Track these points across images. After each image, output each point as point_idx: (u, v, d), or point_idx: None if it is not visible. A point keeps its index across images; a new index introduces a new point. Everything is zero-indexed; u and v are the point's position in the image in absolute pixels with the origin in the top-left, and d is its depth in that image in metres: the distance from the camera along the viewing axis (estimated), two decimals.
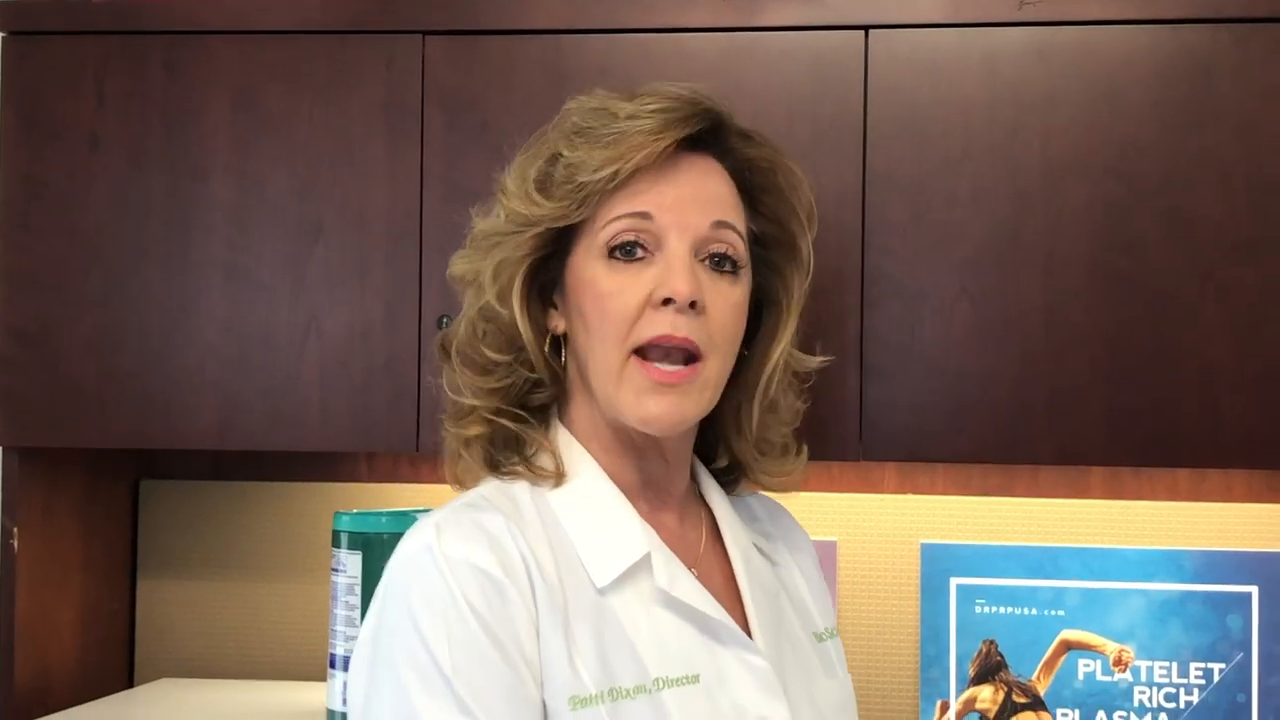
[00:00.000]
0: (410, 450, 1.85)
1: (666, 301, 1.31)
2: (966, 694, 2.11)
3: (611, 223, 1.33)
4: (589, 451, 1.37)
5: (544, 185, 1.36)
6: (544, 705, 1.26)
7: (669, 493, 1.41)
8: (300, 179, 1.89)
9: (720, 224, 1.35)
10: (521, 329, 1.36)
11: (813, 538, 2.15)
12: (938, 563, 2.13)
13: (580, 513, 1.34)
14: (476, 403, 1.38)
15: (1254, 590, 2.07)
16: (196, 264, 1.90)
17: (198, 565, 2.26)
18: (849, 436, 1.83)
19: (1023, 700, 2.10)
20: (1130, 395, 1.78)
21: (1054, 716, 2.09)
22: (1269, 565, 2.08)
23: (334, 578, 1.84)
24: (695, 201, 1.34)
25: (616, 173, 1.32)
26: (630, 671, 1.28)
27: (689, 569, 1.36)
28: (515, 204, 1.36)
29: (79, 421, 1.91)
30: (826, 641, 1.47)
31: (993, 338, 1.80)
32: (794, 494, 2.15)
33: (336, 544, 1.85)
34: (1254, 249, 1.77)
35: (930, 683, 2.12)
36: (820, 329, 1.79)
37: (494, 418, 1.38)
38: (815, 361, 1.49)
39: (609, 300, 1.32)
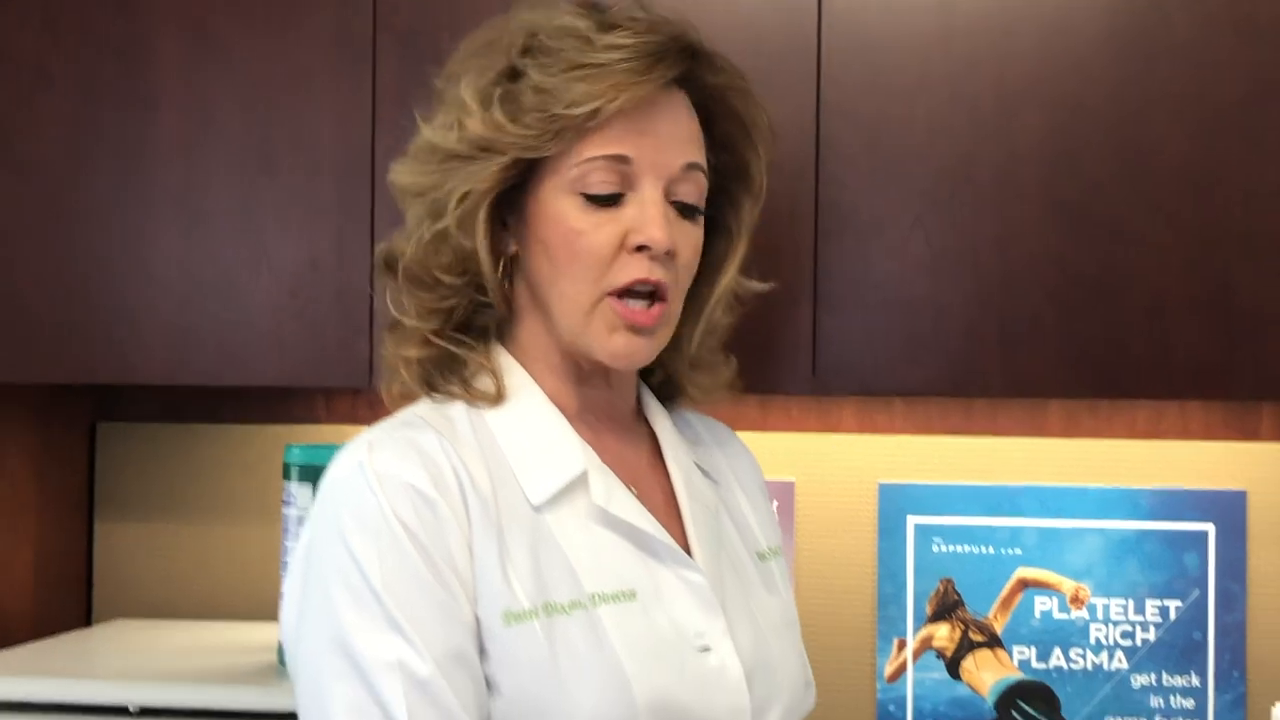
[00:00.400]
0: (363, 384, 1.84)
1: (641, 247, 1.31)
2: (923, 632, 2.12)
3: (587, 163, 1.31)
4: (531, 374, 1.37)
5: (510, 107, 1.31)
6: (477, 621, 1.25)
7: (611, 415, 1.40)
8: (251, 111, 1.87)
9: (690, 166, 1.35)
10: (482, 259, 1.34)
11: (771, 478, 2.15)
12: (895, 502, 2.13)
13: (517, 432, 1.33)
14: (420, 324, 1.36)
15: (1210, 528, 2.07)
16: (147, 197, 1.89)
17: (155, 507, 2.25)
18: (802, 370, 1.82)
19: (979, 638, 2.10)
20: (1082, 327, 1.77)
21: (1010, 654, 2.10)
22: (1225, 503, 2.08)
23: (285, 510, 1.83)
24: (671, 142, 1.34)
25: (597, 111, 1.29)
26: (565, 587, 1.28)
27: (628, 487, 1.35)
28: (476, 125, 1.32)
29: (29, 357, 1.90)
30: (769, 560, 1.47)
31: (946, 270, 1.79)
32: (752, 433, 2.17)
33: (287, 476, 1.84)
34: (1206, 180, 1.76)
35: (887, 621, 2.12)
36: (773, 262, 1.79)
37: (435, 339, 1.36)
38: (760, 286, 1.48)
39: (580, 239, 1.31)
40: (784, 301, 1.81)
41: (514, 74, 1.33)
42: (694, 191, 1.36)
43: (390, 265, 1.39)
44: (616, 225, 1.32)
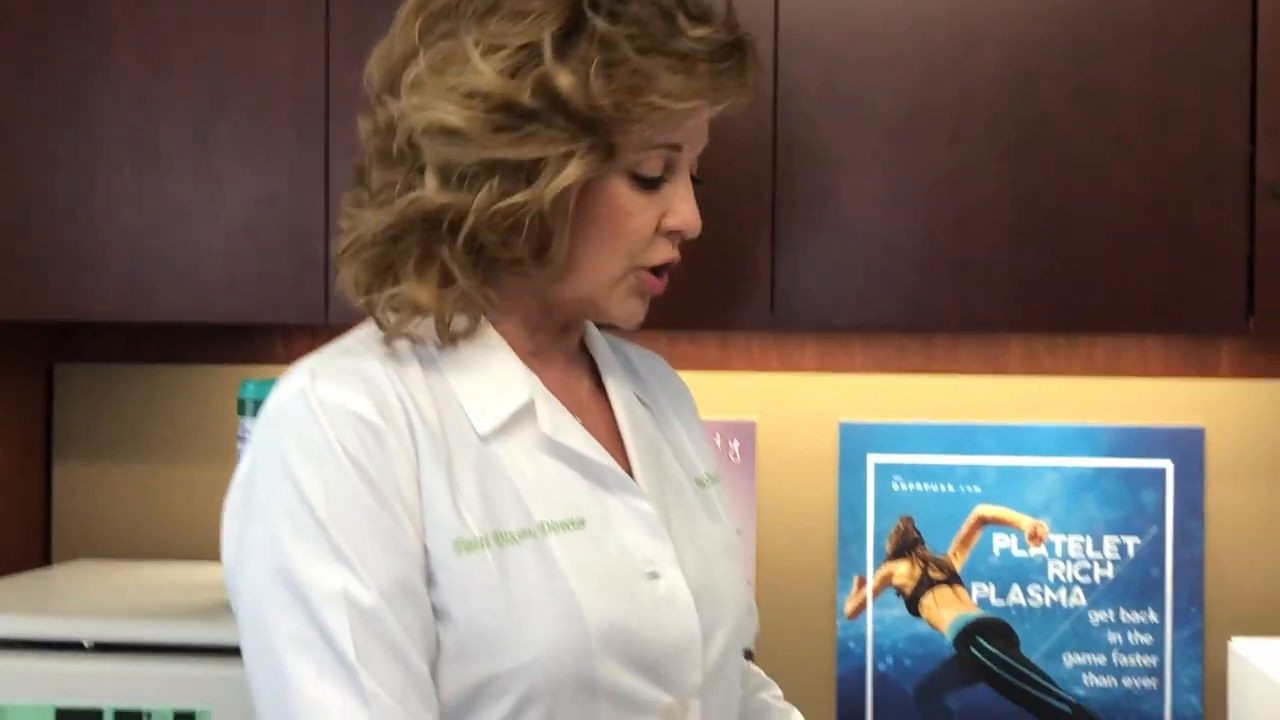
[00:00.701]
0: (318, 320, 1.83)
1: (674, 231, 1.33)
2: (883, 570, 2.12)
3: (650, 150, 1.29)
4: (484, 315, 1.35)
5: (602, 77, 1.24)
6: (425, 551, 1.24)
7: (558, 351, 1.40)
8: (204, 48, 1.85)
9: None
10: (560, 245, 1.28)
11: (732, 418, 2.16)
12: (856, 441, 2.13)
13: (462, 362, 1.32)
14: (466, 282, 1.29)
15: (1168, 465, 2.08)
16: (100, 135, 1.87)
17: (114, 449, 2.24)
18: (760, 307, 1.82)
19: (939, 575, 2.11)
20: (1040, 261, 1.77)
21: (970, 591, 2.10)
22: (1184, 440, 2.08)
23: (241, 446, 1.82)
24: (705, 131, 1.35)
25: (693, 111, 1.28)
26: (515, 516, 1.27)
27: (575, 416, 1.35)
28: (566, 84, 1.23)
29: None
30: (708, 487, 1.47)
31: (904, 205, 1.79)
32: (713, 373, 2.17)
33: (242, 412, 1.83)
34: (1163, 114, 1.76)
35: (848, 559, 2.13)
36: (732, 198, 1.79)
37: (473, 292, 1.30)
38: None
39: (628, 220, 1.31)
40: (742, 238, 1.80)
41: (580, 23, 1.26)
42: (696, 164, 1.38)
43: (436, 220, 1.28)
44: (657, 208, 1.32)
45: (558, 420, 1.33)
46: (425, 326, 1.31)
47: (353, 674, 1.19)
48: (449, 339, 1.31)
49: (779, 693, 1.58)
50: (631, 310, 1.35)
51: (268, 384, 1.83)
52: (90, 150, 1.87)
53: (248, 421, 1.83)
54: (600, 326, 1.47)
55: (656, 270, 1.35)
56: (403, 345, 1.32)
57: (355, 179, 1.35)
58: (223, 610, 1.78)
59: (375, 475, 1.23)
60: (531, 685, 1.24)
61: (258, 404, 1.82)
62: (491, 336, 1.34)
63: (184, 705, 1.70)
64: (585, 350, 1.45)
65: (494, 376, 1.32)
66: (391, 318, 1.31)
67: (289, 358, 2.20)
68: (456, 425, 1.29)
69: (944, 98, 1.78)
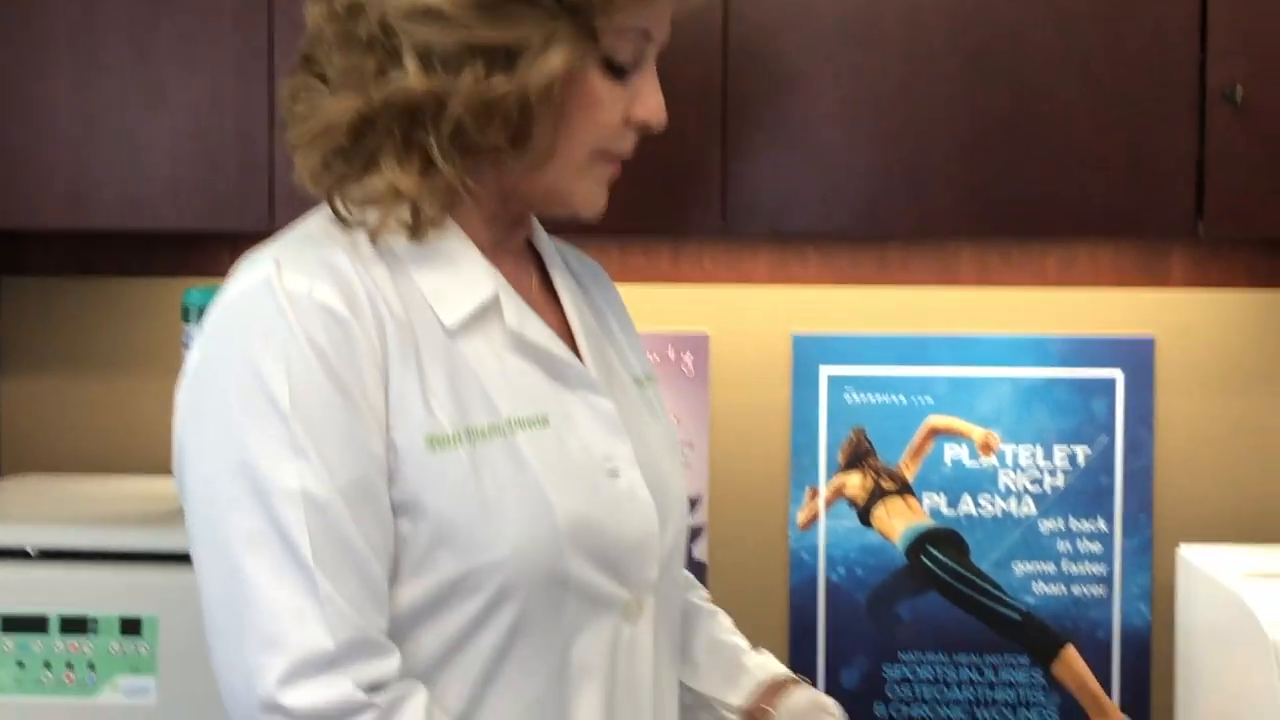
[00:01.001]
0: (264, 226, 1.80)
1: (640, 124, 1.31)
2: (835, 481, 2.13)
3: (626, 32, 1.27)
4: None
5: None
6: (394, 448, 1.22)
7: (509, 246, 1.38)
8: None
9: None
10: (544, 134, 1.26)
11: (684, 330, 2.15)
12: (808, 353, 2.13)
13: (425, 255, 1.29)
14: (449, 169, 1.26)
15: (1119, 375, 2.09)
16: (40, 40, 1.84)
17: (60, 362, 2.22)
18: (711, 213, 1.81)
19: (890, 486, 2.11)
20: (992, 168, 1.77)
21: (921, 501, 2.11)
22: (1134, 350, 2.09)
23: (185, 354, 1.80)
24: (669, 24, 1.33)
25: None
26: (483, 413, 1.26)
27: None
28: None
29: None
30: (646, 388, 1.47)
31: (856, 111, 1.78)
32: (665, 286, 2.16)
33: (187, 319, 1.81)
34: (1115, 20, 1.75)
35: (800, 470, 2.13)
36: (682, 103, 1.77)
37: (446, 172, 1.27)
38: None
39: (598, 110, 1.29)
40: (692, 142, 1.79)
41: None
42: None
43: (417, 106, 1.25)
44: (625, 98, 1.30)
45: (522, 316, 1.32)
46: (396, 218, 1.27)
47: (309, 575, 1.18)
48: (420, 231, 1.27)
49: (706, 594, 1.58)
50: (596, 201, 1.34)
51: (212, 291, 1.80)
52: (29, 56, 1.84)
53: (192, 329, 1.81)
54: (548, 229, 1.46)
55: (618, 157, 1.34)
56: (363, 237, 1.28)
57: (300, 66, 1.31)
58: (170, 518, 1.77)
59: (341, 370, 1.20)
60: (505, 581, 1.23)
61: (202, 311, 1.79)
62: (451, 229, 1.31)
63: (130, 612, 1.69)
64: (529, 249, 1.43)
65: (459, 270, 1.30)
66: (371, 214, 1.27)
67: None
68: (423, 320, 1.26)
69: (897, 5, 1.77)
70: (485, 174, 1.30)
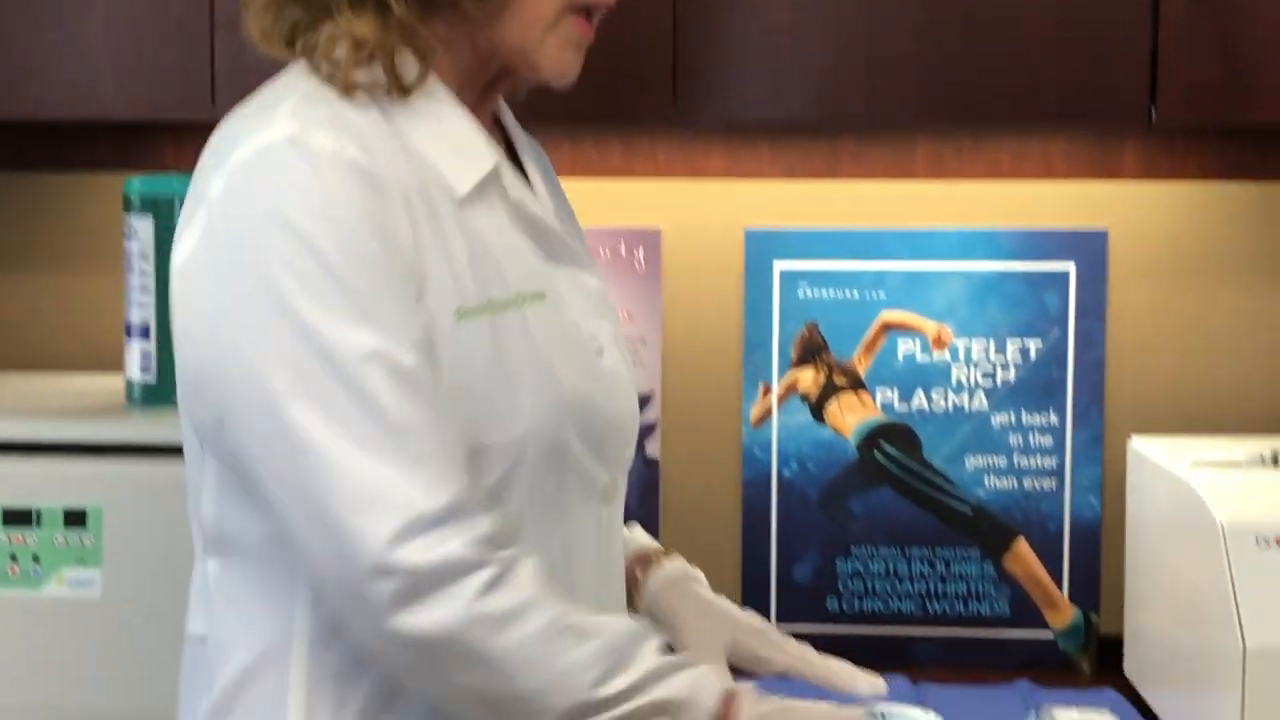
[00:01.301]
0: (203, 115, 1.77)
1: None
2: (789, 377, 2.12)
3: None
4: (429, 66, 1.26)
5: None
6: (429, 315, 1.18)
7: (483, 118, 1.34)
8: None
9: None
10: None
11: (637, 226, 2.13)
12: (761, 248, 2.12)
13: (420, 118, 1.23)
14: (403, 9, 1.21)
15: (1071, 267, 2.08)
16: None
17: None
18: (663, 101, 1.79)
19: (843, 382, 2.11)
20: (948, 58, 1.76)
21: (874, 396, 2.11)
22: (1087, 243, 2.08)
23: (127, 244, 1.78)
24: None
25: None
26: (497, 285, 1.23)
27: None
28: None
29: None
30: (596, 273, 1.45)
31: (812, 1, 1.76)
32: (617, 180, 2.13)
33: (128, 208, 1.78)
34: None
35: (753, 367, 2.12)
36: None
37: (412, 23, 1.22)
38: None
39: None
40: (644, 28, 1.76)
41: None
42: None
43: None
44: None
45: (520, 189, 1.28)
46: (374, 76, 1.21)
47: (400, 438, 1.12)
48: (399, 86, 1.22)
49: None
50: (567, 64, 1.27)
51: (154, 180, 1.78)
52: None
53: (134, 219, 1.77)
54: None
55: (589, 16, 1.28)
56: (362, 97, 1.21)
57: None
58: (114, 411, 1.75)
59: (383, 229, 1.14)
60: (518, 457, 1.21)
61: (144, 201, 1.77)
62: (440, 93, 1.25)
63: (74, 503, 1.67)
64: (497, 126, 1.39)
65: (457, 136, 1.25)
66: (348, 71, 1.20)
67: (178, 163, 2.13)
68: (436, 186, 1.21)
69: None
70: (450, 25, 1.25)
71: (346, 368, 1.11)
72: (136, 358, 1.75)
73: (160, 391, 1.74)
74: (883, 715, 1.62)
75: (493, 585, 1.13)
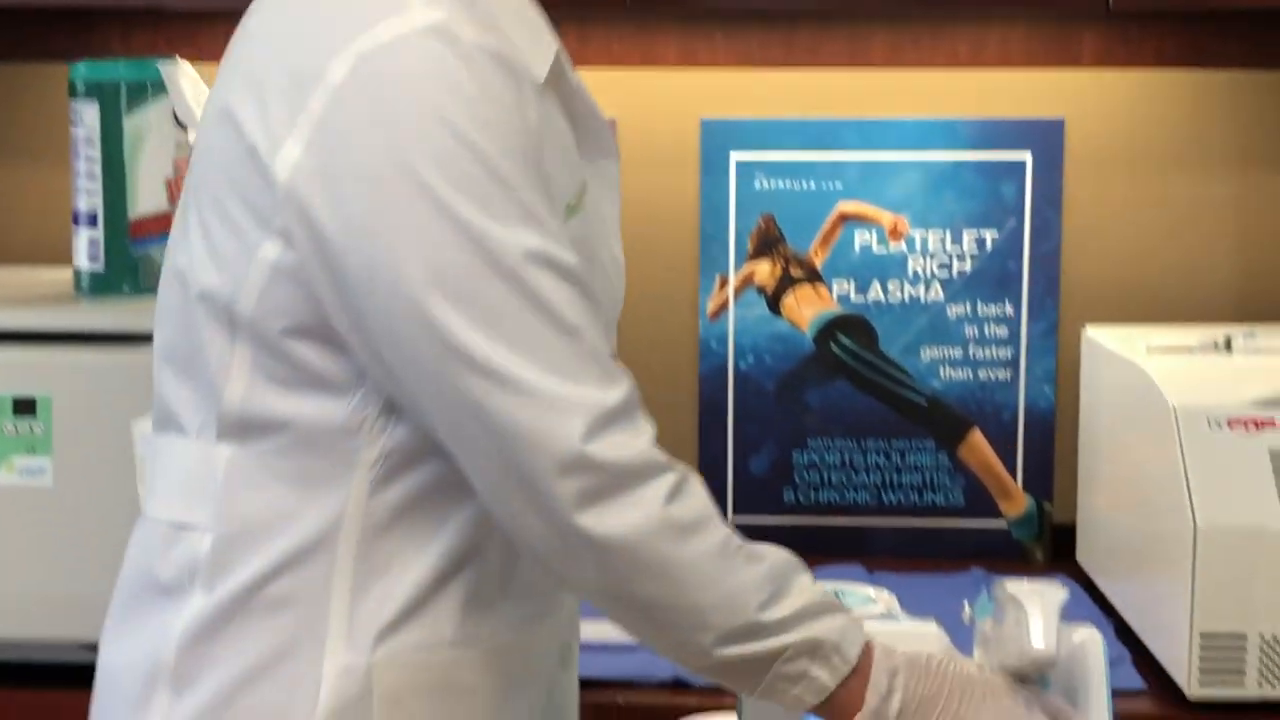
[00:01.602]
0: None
1: None
2: (745, 269, 2.11)
3: None
4: None
5: None
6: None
7: None
8: None
9: None
10: None
11: None
12: (718, 138, 2.10)
13: None
14: None
15: (1028, 157, 2.07)
16: None
17: None
18: None
19: (799, 274, 2.10)
20: None
21: (830, 289, 2.10)
22: (1043, 132, 2.08)
23: (73, 130, 1.74)
24: None
25: None
26: (575, 175, 1.20)
27: None
28: None
29: None
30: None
31: None
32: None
33: (73, 94, 1.74)
34: None
35: (710, 259, 2.11)
36: None
37: None
38: None
39: None
40: None
41: None
42: None
43: None
44: None
45: (574, 73, 1.24)
46: None
47: (575, 336, 1.09)
48: None
49: None
50: None
51: (100, 65, 1.75)
52: None
53: (79, 105, 1.73)
54: None
55: None
56: None
57: None
58: (62, 300, 1.73)
59: (525, 124, 1.10)
60: None
61: (89, 86, 1.73)
62: None
63: (23, 392, 1.65)
64: None
65: (526, 18, 1.19)
66: None
67: (127, 51, 2.09)
68: (526, 72, 1.15)
69: None
70: None
71: (518, 269, 1.08)
72: (84, 246, 1.72)
73: (108, 280, 1.72)
74: (837, 594, 1.63)
75: (677, 492, 1.13)
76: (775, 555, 1.19)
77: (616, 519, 1.10)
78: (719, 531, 1.15)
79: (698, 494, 1.15)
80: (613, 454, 1.09)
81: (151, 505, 1.24)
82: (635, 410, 1.13)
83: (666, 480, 1.12)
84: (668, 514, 1.11)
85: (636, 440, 1.11)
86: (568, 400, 1.09)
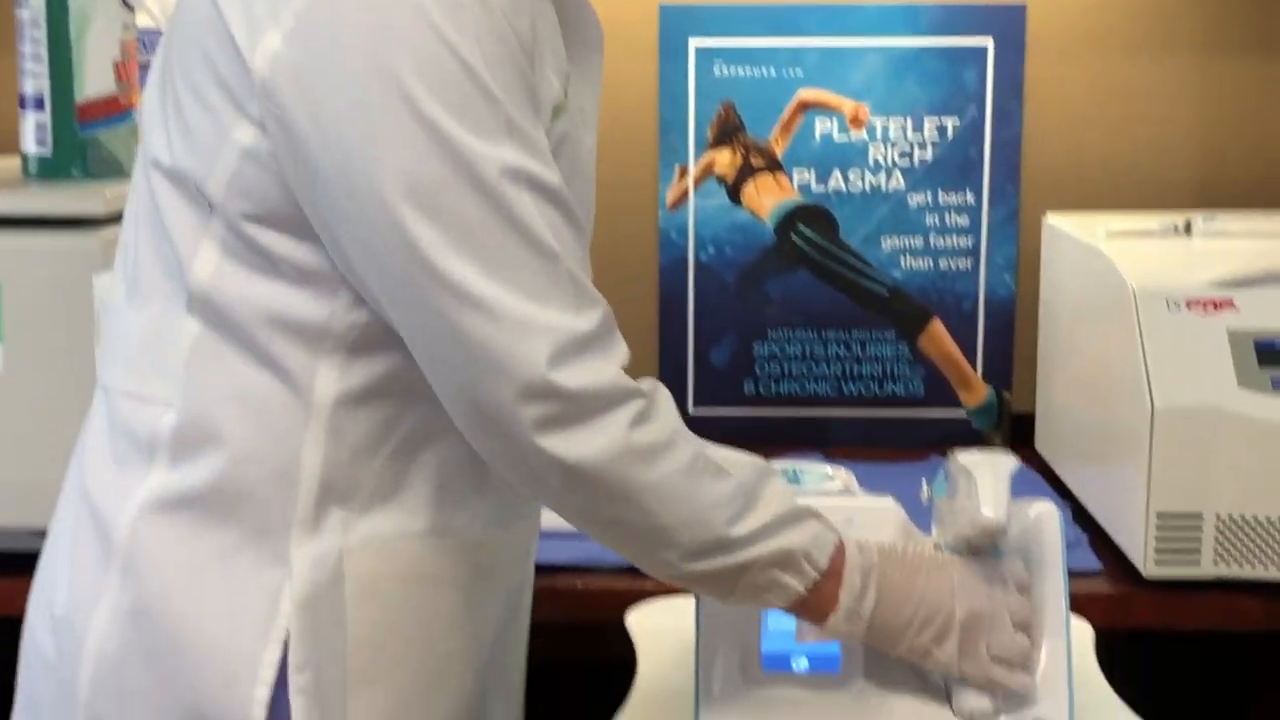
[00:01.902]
0: None
1: None
2: (705, 159, 2.09)
3: None
4: None
5: None
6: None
7: None
8: None
9: None
10: None
11: None
12: (676, 24, 2.07)
13: None
14: None
15: (989, 43, 2.05)
16: None
17: None
18: None
19: (760, 163, 2.08)
20: None
21: (791, 178, 2.09)
22: (1005, 17, 2.06)
23: (17, 13, 1.70)
24: None
25: None
26: (560, 73, 1.18)
27: None
28: None
29: None
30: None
31: None
32: None
33: None
34: None
35: (669, 148, 2.09)
36: None
37: None
38: None
39: None
40: None
41: None
42: None
43: None
44: None
45: None
46: None
47: (550, 262, 1.08)
48: None
49: None
50: None
51: None
52: None
53: None
54: None
55: None
56: None
57: None
58: (12, 184, 1.69)
59: (523, 33, 1.08)
60: None
61: None
62: None
63: None
64: None
65: None
66: None
67: None
68: None
69: None
70: None
71: (496, 185, 1.06)
72: (31, 130, 1.68)
73: (56, 164, 1.68)
74: (794, 472, 1.63)
75: (642, 417, 1.12)
76: (744, 468, 1.19)
77: (580, 445, 1.10)
78: (685, 451, 1.15)
79: (664, 415, 1.15)
80: (577, 381, 1.09)
81: (111, 374, 1.22)
82: (608, 336, 1.12)
83: (633, 406, 1.12)
84: (631, 439, 1.11)
85: (606, 367, 1.11)
86: (535, 324, 1.07)
